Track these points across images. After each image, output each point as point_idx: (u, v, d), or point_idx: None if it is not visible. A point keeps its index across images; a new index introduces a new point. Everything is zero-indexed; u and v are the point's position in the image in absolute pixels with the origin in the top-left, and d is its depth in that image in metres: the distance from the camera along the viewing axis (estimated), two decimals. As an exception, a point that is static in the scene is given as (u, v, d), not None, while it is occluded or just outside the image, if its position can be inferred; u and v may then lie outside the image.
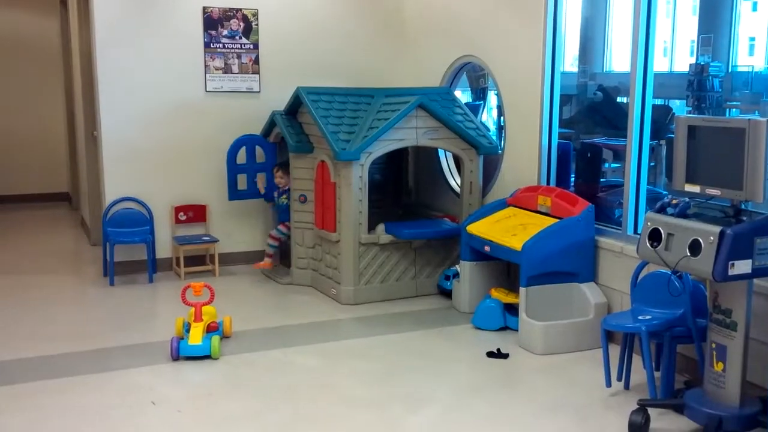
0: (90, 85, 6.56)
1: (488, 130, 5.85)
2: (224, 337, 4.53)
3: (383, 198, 6.15)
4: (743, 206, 3.19)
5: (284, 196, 5.84)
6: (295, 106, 5.73)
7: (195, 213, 6.19)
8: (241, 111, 6.21)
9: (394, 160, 6.23)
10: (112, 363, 4.20)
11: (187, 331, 4.35)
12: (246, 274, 6.08)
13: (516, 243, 4.48)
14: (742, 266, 3.08)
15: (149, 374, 4.05)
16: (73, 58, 7.74)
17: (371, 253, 5.30)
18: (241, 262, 6.29)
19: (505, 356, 4.29)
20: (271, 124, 5.96)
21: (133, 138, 5.96)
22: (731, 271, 3.06)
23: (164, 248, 6.13)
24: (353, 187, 5.17)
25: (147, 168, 6.04)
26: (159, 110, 6.01)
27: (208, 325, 4.40)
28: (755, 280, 3.24)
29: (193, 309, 4.39)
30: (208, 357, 4.22)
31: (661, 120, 6.12)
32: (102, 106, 5.90)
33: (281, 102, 5.86)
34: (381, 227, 5.34)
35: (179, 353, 4.20)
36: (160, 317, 5.16)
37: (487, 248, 4.76)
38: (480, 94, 7.07)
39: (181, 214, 6.14)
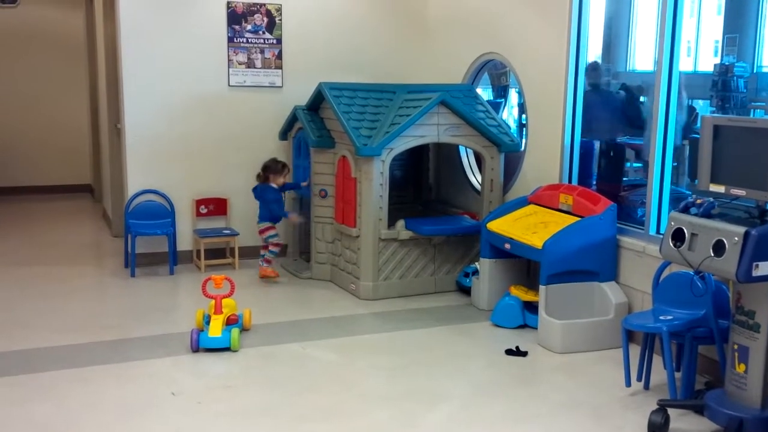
0: (114, 78, 6.62)
1: (509, 128, 5.83)
2: (244, 329, 4.56)
3: (404, 194, 6.16)
4: (769, 207, 3.16)
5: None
6: (317, 101, 5.75)
7: (216, 206, 6.23)
8: (264, 105, 6.25)
9: (415, 157, 6.24)
10: (133, 353, 4.24)
11: (207, 323, 4.38)
12: (266, 268, 6.12)
13: (537, 241, 4.47)
14: (767, 267, 3.05)
15: (170, 365, 4.09)
16: (97, 52, 7.82)
17: (391, 249, 5.31)
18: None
19: (524, 354, 4.28)
20: (292, 119, 5.99)
21: (156, 131, 6.02)
22: (755, 272, 3.03)
23: (185, 241, 6.18)
24: (374, 182, 5.18)
25: (169, 161, 6.09)
26: (182, 103, 6.06)
27: (228, 317, 4.43)
28: (780, 282, 3.20)
29: (213, 301, 4.43)
30: (227, 349, 4.25)
31: (685, 120, 6.06)
32: (126, 98, 5.96)
33: (303, 97, 5.89)
34: (401, 223, 5.35)
35: (199, 345, 4.24)
36: (180, 309, 5.20)
37: (507, 246, 4.75)
38: (501, 92, 7.05)
39: (203, 207, 6.19)
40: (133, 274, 5.81)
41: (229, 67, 6.14)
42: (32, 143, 9.33)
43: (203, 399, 3.68)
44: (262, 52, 6.21)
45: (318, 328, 4.71)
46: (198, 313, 4.51)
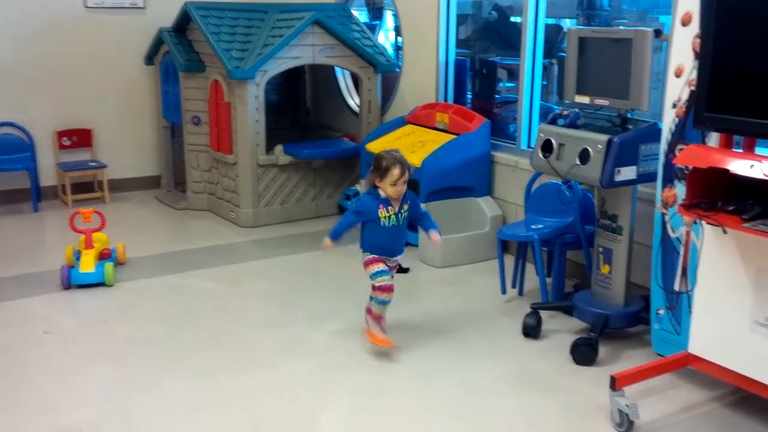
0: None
1: (385, 48, 5.78)
2: (118, 264, 4.38)
3: (281, 118, 6.03)
4: (629, 115, 3.31)
5: (390, 211, 3.31)
6: (183, 22, 5.44)
7: (80, 137, 5.86)
8: (126, 28, 5.86)
9: (291, 80, 6.09)
10: (2, 294, 3.98)
11: (78, 259, 4.17)
12: (139, 201, 5.87)
13: (415, 160, 4.50)
14: (628, 172, 3.22)
15: (41, 304, 3.87)
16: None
17: (270, 175, 5.21)
18: (132, 188, 6.06)
19: (406, 270, 4.37)
20: (158, 42, 5.65)
21: (8, 57, 5.52)
22: (617, 177, 3.20)
23: (48, 176, 5.80)
24: (249, 107, 5.01)
25: (25, 90, 5.63)
26: (35, 28, 5.57)
27: (101, 252, 4.23)
28: (639, 186, 3.41)
29: (83, 236, 4.21)
30: (102, 284, 4.08)
31: (553, 39, 6.21)
32: (-33, 21, 5.41)
33: (168, 18, 5.55)
34: (279, 148, 5.24)
35: (71, 281, 4.03)
36: (48, 246, 4.91)
37: (386, 166, 4.76)
38: (377, 13, 6.95)
39: (65, 138, 5.80)
40: (-8, 214, 5.42)
41: (84, -14, 5.69)
42: None
43: (79, 336, 3.52)
44: (120, -31, 5.77)
45: (197, 259, 4.59)
46: (68, 249, 4.27)
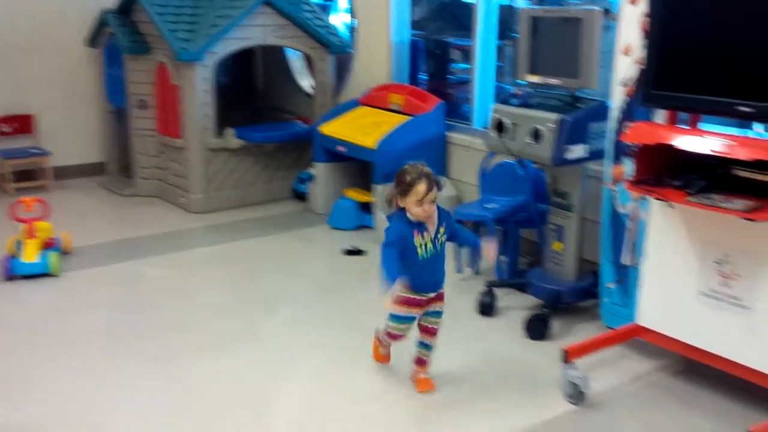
0: None
1: (338, 29, 5.71)
2: (64, 253, 4.24)
3: (231, 101, 5.90)
4: (579, 94, 3.33)
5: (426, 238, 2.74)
6: (127, 3, 5.27)
7: (20, 124, 5.65)
8: (67, 8, 5.65)
9: (242, 62, 5.97)
10: (-63, 288, 3.83)
11: (20, 249, 4.03)
12: (84, 188, 5.70)
13: (370, 141, 4.48)
14: (578, 150, 3.25)
15: (-19, 296, 3.74)
16: None
17: (221, 159, 5.11)
18: (77, 175, 5.88)
19: (362, 253, 4.35)
20: (101, 24, 5.47)
21: (-61, 40, 5.29)
22: (568, 156, 3.23)
23: (-13, 164, 5.59)
24: (197, 90, 4.90)
25: (-41, 75, 5.41)
26: (-33, 8, 5.35)
27: (45, 241, 4.10)
28: (589, 164, 3.44)
29: (25, 225, 4.07)
30: (46, 275, 3.95)
31: (507, 20, 6.22)
32: None
33: (111, -1, 5.39)
34: (230, 132, 5.14)
35: (13, 272, 3.89)
36: (-11, 237, 4.74)
37: (341, 148, 4.73)
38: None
39: (5, 125, 5.59)
40: (-72, 204, 5.19)
41: (21, -34, 5.46)
42: None
43: (24, 327, 3.41)
44: (59, -52, 5.56)
45: (147, 246, 4.48)
46: (9, 240, 4.12)
